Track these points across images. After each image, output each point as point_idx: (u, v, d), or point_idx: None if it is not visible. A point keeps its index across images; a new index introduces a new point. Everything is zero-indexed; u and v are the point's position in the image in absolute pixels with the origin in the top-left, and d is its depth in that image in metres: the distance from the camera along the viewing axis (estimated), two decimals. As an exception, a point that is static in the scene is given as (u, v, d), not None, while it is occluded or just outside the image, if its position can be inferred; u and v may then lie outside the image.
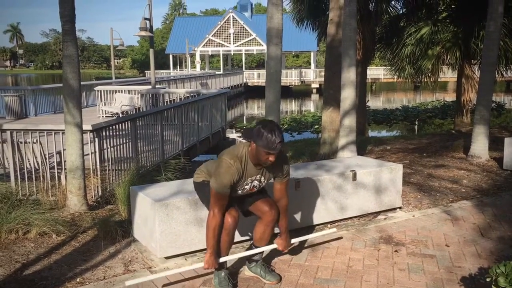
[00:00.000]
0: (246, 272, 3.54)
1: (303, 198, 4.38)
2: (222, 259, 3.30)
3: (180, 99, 16.51)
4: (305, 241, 4.19)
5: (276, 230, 3.50)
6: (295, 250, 3.99)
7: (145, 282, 3.40)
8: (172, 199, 3.73)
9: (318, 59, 53.18)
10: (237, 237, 3.93)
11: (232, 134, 17.25)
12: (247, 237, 4.02)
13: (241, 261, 3.71)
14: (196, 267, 3.34)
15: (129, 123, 6.80)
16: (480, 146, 7.63)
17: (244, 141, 3.19)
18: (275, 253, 3.94)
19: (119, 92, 15.14)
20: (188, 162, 7.28)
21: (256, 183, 3.22)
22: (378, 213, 4.95)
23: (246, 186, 3.20)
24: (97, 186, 5.80)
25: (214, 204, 3.10)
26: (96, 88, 15.49)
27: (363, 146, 9.06)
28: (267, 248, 3.48)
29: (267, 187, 3.45)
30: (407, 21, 12.76)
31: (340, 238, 4.30)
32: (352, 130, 6.89)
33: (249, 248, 3.53)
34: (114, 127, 6.27)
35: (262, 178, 3.23)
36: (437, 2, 13.06)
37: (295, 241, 3.70)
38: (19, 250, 4.07)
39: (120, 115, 13.09)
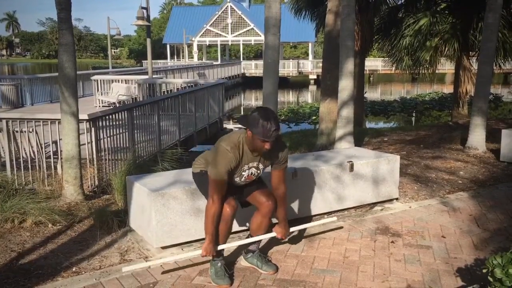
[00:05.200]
0: (242, 262, 3.54)
1: (300, 189, 4.37)
2: (220, 247, 3.29)
3: (177, 89, 16.45)
4: (303, 230, 4.19)
5: (274, 220, 3.48)
6: (292, 240, 3.99)
7: (141, 272, 3.40)
8: (168, 189, 3.71)
9: (316, 50, 53.01)
10: (235, 227, 3.92)
11: (229, 125, 17.21)
12: (245, 227, 4.01)
13: (238, 252, 3.71)
14: (192, 255, 3.31)
15: (125, 113, 6.77)
16: (477, 137, 7.63)
17: (241, 128, 3.17)
18: (271, 243, 3.94)
19: (116, 81, 15.07)
20: (185, 152, 7.26)
21: (253, 170, 3.21)
22: (375, 204, 4.95)
23: (243, 173, 3.18)
24: (94, 176, 5.78)
25: (213, 192, 3.08)
26: (92, 78, 15.41)
27: (360, 137, 9.06)
28: (266, 237, 3.46)
29: (265, 181, 3.44)
30: (405, 12, 12.71)
31: (340, 228, 4.29)
32: (350, 121, 6.88)
33: (247, 238, 3.52)
34: (110, 116, 6.24)
35: (260, 165, 3.21)
36: (436, -7, 13.00)
37: (294, 229, 3.68)
38: (14, 239, 4.06)
39: (117, 105, 13.04)
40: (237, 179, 3.21)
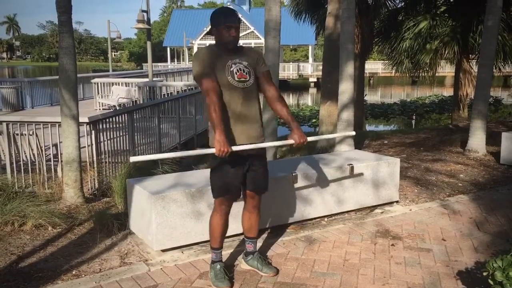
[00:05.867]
0: (242, 265, 3.53)
1: (301, 192, 4.37)
2: (235, 148, 2.97)
3: (178, 92, 16.46)
4: (303, 236, 4.19)
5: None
6: (293, 244, 3.99)
7: (141, 275, 3.39)
8: (169, 192, 3.71)
9: (316, 53, 53.10)
10: (233, 231, 3.92)
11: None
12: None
13: (237, 254, 3.71)
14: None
15: (126, 116, 6.77)
16: (477, 140, 7.63)
17: None
18: (271, 246, 3.94)
19: (116, 84, 15.08)
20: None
21: (240, 66, 3.14)
22: (375, 207, 4.95)
23: (233, 69, 3.11)
24: (94, 179, 5.78)
25: (205, 87, 3.01)
26: (93, 81, 15.43)
27: (360, 140, 9.06)
28: (284, 143, 3.23)
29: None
30: (405, 15, 12.74)
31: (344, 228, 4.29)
32: (350, 123, 6.88)
33: (243, 242, 3.52)
34: (111, 119, 6.24)
35: (244, 62, 3.16)
36: (435, -4, 13.04)
37: (311, 139, 3.38)
38: (14, 242, 4.05)
39: (117, 108, 13.04)
40: (231, 80, 3.09)
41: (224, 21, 3.08)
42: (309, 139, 3.28)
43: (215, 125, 2.92)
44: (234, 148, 2.97)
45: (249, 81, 3.16)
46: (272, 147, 3.12)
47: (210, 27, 3.21)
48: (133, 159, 2.95)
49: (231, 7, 3.25)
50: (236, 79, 3.10)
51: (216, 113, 2.94)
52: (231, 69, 3.11)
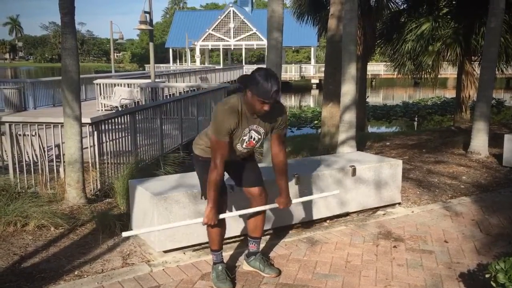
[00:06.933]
0: (244, 266, 3.53)
1: (303, 193, 4.36)
2: (222, 216, 3.17)
3: (180, 93, 16.47)
4: (305, 237, 4.19)
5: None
6: (295, 245, 3.99)
7: (143, 276, 3.40)
8: (171, 193, 3.72)
9: (318, 55, 53.08)
10: (234, 232, 3.93)
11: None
12: (243, 233, 4.01)
13: (239, 256, 3.71)
14: (194, 222, 3.23)
15: (128, 117, 6.79)
16: (479, 142, 7.62)
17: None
18: (273, 248, 3.94)
19: (118, 85, 15.09)
20: (187, 156, 7.27)
21: (254, 134, 3.12)
22: (377, 208, 4.94)
23: (244, 138, 3.10)
24: (96, 180, 5.79)
25: (215, 156, 3.02)
26: (95, 82, 15.45)
27: (362, 141, 9.05)
28: (268, 207, 3.36)
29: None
30: (408, 16, 12.74)
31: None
32: (352, 125, 6.88)
33: (244, 243, 3.52)
34: (113, 120, 6.25)
35: (261, 129, 3.13)
36: (438, -2, 13.03)
37: (296, 201, 3.59)
38: (17, 242, 4.06)
39: (119, 109, 13.06)
40: (238, 146, 3.12)
41: (261, 95, 2.87)
42: (294, 201, 3.48)
43: (210, 200, 3.07)
44: (221, 216, 3.18)
45: (253, 145, 3.21)
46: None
47: (242, 80, 3.00)
48: (125, 234, 3.12)
49: (275, 76, 3.05)
50: (244, 146, 3.16)
51: (215, 192, 3.04)
52: (244, 137, 3.10)
